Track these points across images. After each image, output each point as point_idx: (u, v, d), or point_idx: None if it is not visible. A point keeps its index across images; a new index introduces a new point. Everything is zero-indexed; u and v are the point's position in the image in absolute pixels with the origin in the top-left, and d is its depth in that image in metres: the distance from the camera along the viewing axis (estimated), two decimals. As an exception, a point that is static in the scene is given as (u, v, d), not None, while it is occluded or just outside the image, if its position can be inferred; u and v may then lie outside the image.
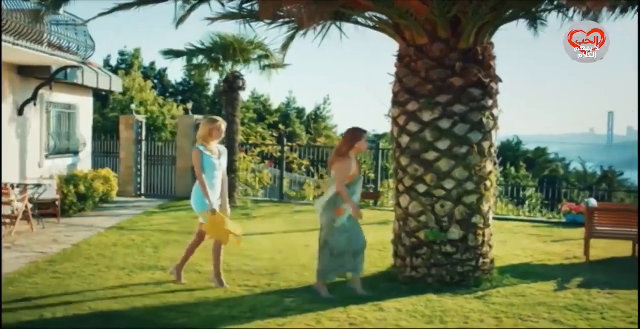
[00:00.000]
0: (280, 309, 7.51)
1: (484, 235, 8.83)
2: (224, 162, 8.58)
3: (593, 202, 11.03)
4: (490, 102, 8.74)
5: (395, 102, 8.97)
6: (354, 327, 6.93)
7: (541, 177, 44.68)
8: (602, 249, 11.17)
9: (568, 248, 11.56)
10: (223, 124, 8.53)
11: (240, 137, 17.90)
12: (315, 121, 36.36)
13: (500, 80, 9.02)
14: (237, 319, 7.13)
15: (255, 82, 53.66)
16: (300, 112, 39.47)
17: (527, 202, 21.54)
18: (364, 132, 8.13)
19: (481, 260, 8.79)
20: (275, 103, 39.23)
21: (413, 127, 8.70)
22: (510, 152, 49.51)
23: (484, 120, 8.64)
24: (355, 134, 8.06)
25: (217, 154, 8.47)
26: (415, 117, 8.68)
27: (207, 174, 8.33)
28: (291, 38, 10.81)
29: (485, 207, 8.80)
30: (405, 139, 8.80)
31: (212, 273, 8.69)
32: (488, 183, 8.83)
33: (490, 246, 9.00)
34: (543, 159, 53.53)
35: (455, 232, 8.56)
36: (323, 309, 7.49)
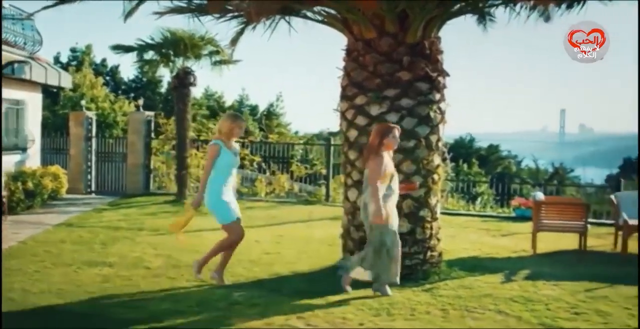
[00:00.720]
0: (227, 303, 7.49)
1: (431, 228, 8.88)
2: (238, 160, 8.46)
3: (540, 195, 11.16)
4: (437, 96, 8.79)
5: (344, 96, 8.98)
6: (301, 319, 6.91)
7: (493, 174, 45.27)
8: (550, 242, 11.32)
9: (516, 241, 11.69)
10: (244, 123, 8.41)
11: (191, 134, 17.80)
12: (268, 117, 36.28)
13: (448, 75, 9.09)
14: (183, 313, 7.10)
15: (209, 79, 53.42)
16: (253, 109, 39.39)
17: (479, 198, 21.80)
18: (392, 127, 7.90)
19: (429, 253, 8.84)
20: (229, 100, 39.14)
21: (361, 121, 8.73)
22: (463, 149, 49.92)
23: (432, 114, 8.69)
24: (381, 130, 7.84)
25: (234, 151, 8.35)
26: (363, 111, 8.71)
27: (224, 170, 8.17)
28: (240, 33, 10.76)
29: (433, 200, 8.85)
30: (353, 133, 8.82)
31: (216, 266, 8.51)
32: (436, 177, 8.88)
33: (438, 239, 9.06)
34: (495, 156, 54.05)
35: (403, 226, 8.58)
36: (271, 303, 7.48)
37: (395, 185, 7.87)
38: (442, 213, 15.24)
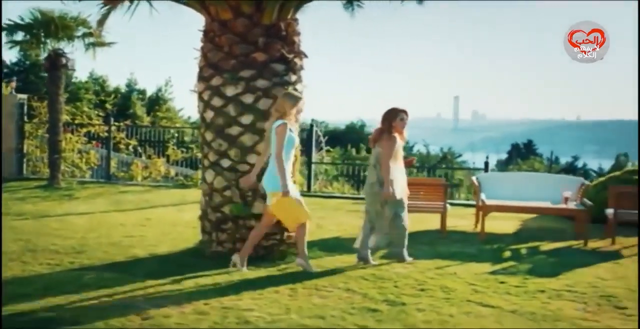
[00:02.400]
0: (76, 286, 7.36)
1: (289, 209, 8.91)
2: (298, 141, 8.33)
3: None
4: (293, 78, 8.83)
5: (200, 77, 8.93)
6: (148, 300, 6.87)
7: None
8: (416, 222, 11.55)
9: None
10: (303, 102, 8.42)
11: (65, 117, 17.43)
12: (156, 102, 35.78)
13: (306, 56, 9.13)
14: (28, 296, 6.92)
15: (94, 63, 52.18)
16: (141, 93, 38.77)
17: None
18: (400, 111, 8.55)
19: (285, 234, 8.88)
20: (115, 84, 38.43)
21: (217, 102, 8.70)
22: (355, 135, 50.49)
23: (288, 95, 8.70)
24: (390, 114, 8.59)
25: (296, 132, 8.22)
26: (219, 92, 8.67)
27: (287, 153, 7.98)
28: (106, 14, 10.58)
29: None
30: (209, 114, 8.78)
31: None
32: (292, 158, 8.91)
33: (295, 220, 9.09)
34: (386, 141, 54.64)
35: (259, 207, 8.61)
36: (120, 284, 7.42)
37: (402, 163, 8.79)
38: (318, 196, 15.57)
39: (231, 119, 8.61)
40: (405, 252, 8.84)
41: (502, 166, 56.90)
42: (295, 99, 8.18)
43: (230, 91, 8.60)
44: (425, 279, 7.97)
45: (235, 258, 8.25)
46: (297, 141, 8.26)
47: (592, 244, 10.42)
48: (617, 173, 13.91)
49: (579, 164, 67.79)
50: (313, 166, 16.77)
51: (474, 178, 11.99)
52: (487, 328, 6.25)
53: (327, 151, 28.17)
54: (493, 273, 8.40)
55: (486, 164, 15.87)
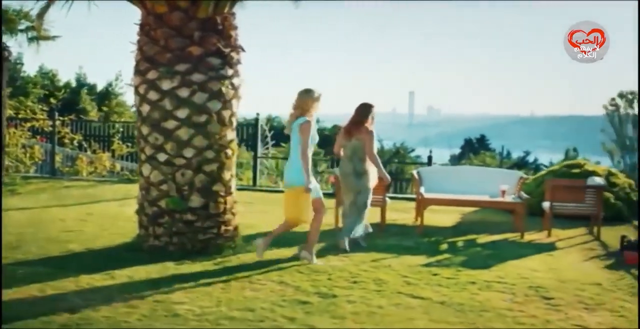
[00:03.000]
0: (7, 281, 7.27)
1: (225, 203, 8.94)
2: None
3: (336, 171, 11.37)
4: (230, 72, 8.84)
5: (137, 71, 8.89)
6: (78, 295, 6.85)
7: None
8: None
9: (328, 215, 11.85)
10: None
11: (8, 112, 17.21)
12: (106, 97, 35.44)
13: (243, 50, 9.15)
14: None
15: (44, 57, 51.59)
16: (91, 88, 38.35)
17: (319, 177, 22.10)
18: (372, 106, 9.38)
19: (223, 227, 8.91)
20: (66, 79, 37.97)
21: (153, 96, 8.67)
22: (309, 130, 50.41)
23: (224, 89, 8.72)
24: (366, 109, 9.38)
25: (315, 129, 8.41)
26: (155, 85, 8.65)
27: (310, 148, 8.28)
28: (45, 8, 10.51)
29: (226, 175, 8.91)
30: (145, 108, 8.76)
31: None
32: (229, 152, 8.94)
33: (233, 214, 9.13)
34: (339, 136, 54.78)
35: (195, 200, 8.64)
36: (52, 279, 7.37)
37: None
38: (264, 190, 15.58)
39: (167, 113, 8.60)
40: (347, 241, 9.23)
41: (455, 160, 57.11)
42: (316, 96, 8.34)
43: (166, 85, 8.58)
44: (359, 271, 8.05)
45: (305, 254, 8.49)
46: (316, 136, 8.41)
47: (529, 236, 10.59)
48: (556, 167, 14.16)
49: (531, 158, 68.58)
50: (259, 161, 16.79)
51: (414, 172, 12.11)
52: (413, 319, 6.34)
53: (280, 146, 28.15)
54: (427, 265, 8.50)
55: (429, 158, 16.00)
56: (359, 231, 9.47)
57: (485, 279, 7.80)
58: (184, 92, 8.56)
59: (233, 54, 8.91)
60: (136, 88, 8.91)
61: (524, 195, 10.93)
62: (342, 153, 9.56)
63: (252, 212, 12.20)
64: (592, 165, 14.01)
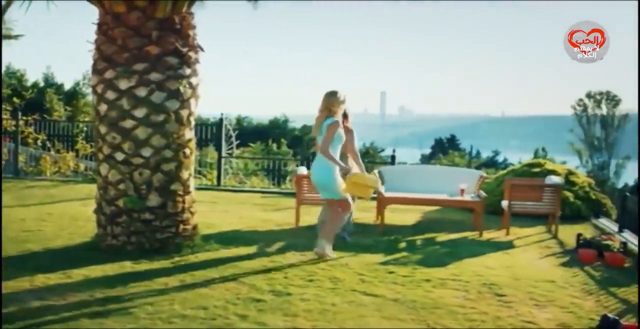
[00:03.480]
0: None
1: (184, 202, 8.95)
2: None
3: (301, 170, 11.44)
4: (188, 71, 8.85)
5: (94, 70, 8.87)
6: (33, 294, 6.83)
7: (308, 154, 45.85)
8: (316, 215, 11.74)
9: (287, 215, 11.92)
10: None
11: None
12: (74, 96, 35.24)
13: (202, 49, 9.16)
14: None
15: (11, 57, 51.05)
16: (59, 88, 38.13)
17: (288, 176, 22.18)
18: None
19: (181, 226, 8.92)
20: (34, 79, 37.75)
21: (110, 95, 8.66)
22: (278, 130, 50.55)
23: (181, 88, 8.73)
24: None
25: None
26: (113, 85, 8.64)
27: (336, 148, 8.66)
28: (6, 7, 10.50)
29: (184, 174, 8.92)
30: (103, 107, 8.74)
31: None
32: (187, 151, 8.95)
33: (192, 213, 9.13)
34: (309, 137, 54.88)
35: (153, 200, 8.65)
36: (7, 278, 7.30)
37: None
38: (228, 190, 15.61)
39: (125, 112, 8.59)
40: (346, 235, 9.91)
41: (426, 160, 57.53)
42: (342, 99, 8.72)
43: (123, 84, 8.57)
44: (316, 270, 8.11)
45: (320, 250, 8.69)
46: (343, 137, 8.76)
47: (488, 235, 10.71)
48: (517, 166, 14.31)
49: (500, 158, 69.11)
50: (224, 160, 16.82)
51: (375, 171, 12.17)
52: (364, 316, 6.40)
53: (249, 146, 28.08)
54: (384, 263, 8.57)
55: (392, 157, 16.09)
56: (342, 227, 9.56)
57: (440, 277, 7.89)
58: (141, 92, 8.56)
59: (191, 54, 8.92)
60: (94, 87, 8.90)
61: (483, 194, 11.04)
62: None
63: (214, 211, 12.26)
64: (552, 164, 14.20)
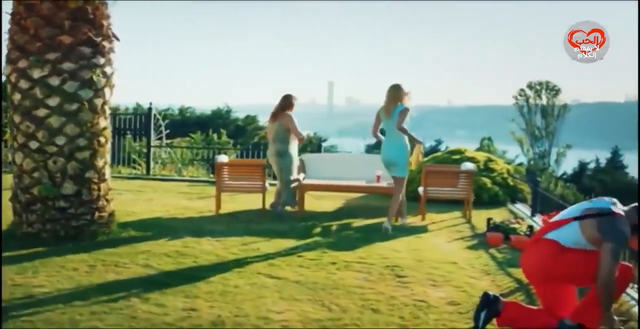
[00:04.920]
0: None
1: (99, 189, 9.07)
2: None
3: (221, 158, 11.62)
4: (102, 60, 8.96)
5: (8, 60, 8.93)
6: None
7: (251, 144, 45.85)
8: (242, 202, 11.97)
9: (210, 203, 12.07)
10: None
11: None
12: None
13: (117, 39, 9.27)
14: None
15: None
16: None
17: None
18: (294, 97, 11.27)
19: (97, 214, 9.04)
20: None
21: (24, 84, 8.74)
22: (221, 120, 50.48)
23: (95, 78, 8.84)
24: (289, 98, 11.24)
25: None
26: (26, 74, 8.72)
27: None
28: None
29: (99, 162, 9.03)
30: (17, 96, 8.82)
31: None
32: (102, 139, 9.07)
33: (107, 201, 9.26)
34: (253, 127, 54.86)
35: (68, 188, 8.76)
36: None
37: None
38: (157, 179, 15.70)
39: (38, 101, 8.68)
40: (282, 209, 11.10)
41: (371, 150, 57.85)
42: (406, 91, 10.23)
43: (36, 73, 8.66)
44: (226, 255, 8.32)
45: (387, 224, 9.99)
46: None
47: (405, 220, 10.94)
48: (438, 153, 14.65)
49: (442, 147, 69.77)
50: (154, 150, 16.91)
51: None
52: (263, 296, 6.62)
53: (188, 136, 28.09)
54: (295, 248, 8.80)
55: (319, 146, 16.34)
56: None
57: (346, 260, 8.14)
58: (54, 81, 8.65)
59: (105, 43, 9.03)
60: (8, 77, 8.97)
61: (399, 180, 11.28)
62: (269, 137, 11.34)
63: (139, 200, 12.39)
64: (472, 152, 14.55)
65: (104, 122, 9.12)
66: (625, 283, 5.80)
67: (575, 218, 5.74)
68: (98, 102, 8.94)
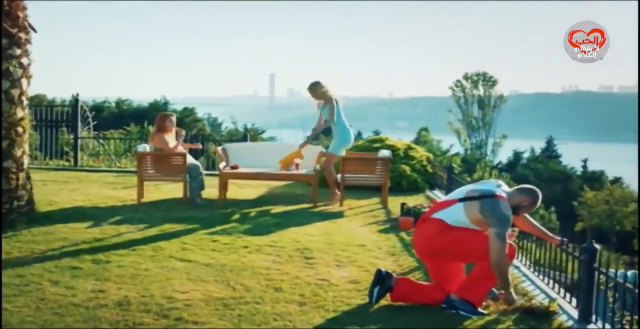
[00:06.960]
0: None
1: (17, 179, 9.18)
2: None
3: (142, 147, 11.78)
4: (18, 51, 9.07)
5: None
6: None
7: (191, 135, 45.97)
8: (166, 191, 12.18)
9: (134, 192, 12.20)
10: None
11: None
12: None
13: (34, 30, 9.40)
14: None
15: None
16: None
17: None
18: (169, 115, 12.02)
19: (16, 203, 9.16)
20: None
21: (-52, 76, 8.84)
22: (158, 112, 50.37)
23: (12, 68, 8.97)
24: (163, 117, 11.95)
25: None
26: (-61, 66, 8.83)
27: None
28: None
29: (17, 152, 9.14)
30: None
31: None
32: (20, 129, 9.17)
33: (26, 190, 9.40)
34: (191, 119, 54.85)
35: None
36: None
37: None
38: (85, 170, 15.77)
39: (-47, 92, 8.79)
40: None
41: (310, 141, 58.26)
42: (322, 85, 11.56)
43: (-58, 65, 8.77)
44: (143, 240, 8.55)
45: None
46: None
47: (324, 207, 11.28)
48: (360, 142, 15.01)
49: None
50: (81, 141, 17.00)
51: (218, 148, 12.62)
52: (171, 278, 6.89)
53: (123, 129, 28.09)
54: (211, 233, 9.05)
55: (245, 136, 16.60)
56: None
57: (258, 244, 8.44)
58: (-34, 72, 8.77)
59: (21, 34, 9.14)
60: None
61: (318, 167, 11.59)
62: None
63: (63, 190, 12.49)
64: (393, 140, 14.95)
65: (21, 113, 9.24)
66: (509, 260, 6.22)
67: (460, 199, 6.15)
68: (15, 92, 9.06)
